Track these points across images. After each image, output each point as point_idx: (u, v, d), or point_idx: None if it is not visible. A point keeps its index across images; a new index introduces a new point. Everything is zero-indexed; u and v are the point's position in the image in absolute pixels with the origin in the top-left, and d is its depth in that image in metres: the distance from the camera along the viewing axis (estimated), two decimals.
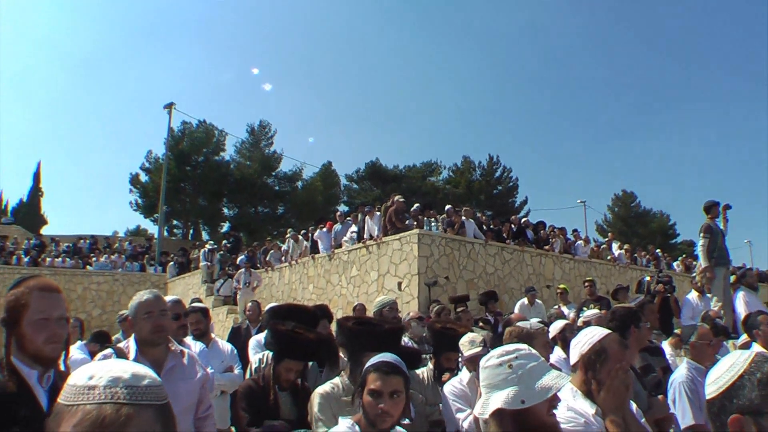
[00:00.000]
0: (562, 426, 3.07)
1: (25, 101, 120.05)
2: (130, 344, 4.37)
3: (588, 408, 3.30)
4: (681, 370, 5.64)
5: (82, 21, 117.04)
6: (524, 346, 2.94)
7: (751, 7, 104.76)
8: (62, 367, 3.04)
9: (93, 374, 1.33)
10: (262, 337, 7.95)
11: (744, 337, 8.21)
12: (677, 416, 5.12)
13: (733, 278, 12.30)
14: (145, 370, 1.42)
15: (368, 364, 3.44)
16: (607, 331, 3.59)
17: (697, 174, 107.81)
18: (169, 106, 38.82)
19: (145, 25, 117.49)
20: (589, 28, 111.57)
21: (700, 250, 12.50)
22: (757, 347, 6.64)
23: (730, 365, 2.08)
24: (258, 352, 7.40)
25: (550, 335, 6.82)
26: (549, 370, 2.78)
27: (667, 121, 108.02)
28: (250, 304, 10.89)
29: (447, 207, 21.48)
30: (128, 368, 1.39)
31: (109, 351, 4.41)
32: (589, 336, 3.54)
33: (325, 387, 4.33)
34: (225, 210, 58.55)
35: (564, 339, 6.77)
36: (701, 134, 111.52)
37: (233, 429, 5.68)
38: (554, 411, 2.75)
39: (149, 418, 1.32)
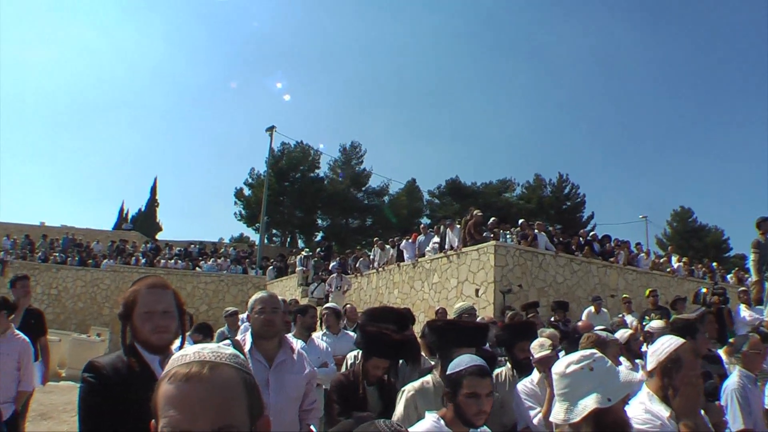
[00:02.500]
0: (640, 427, 3.16)
1: (144, 124, 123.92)
2: (246, 337, 4.52)
3: (663, 411, 3.30)
4: (733, 378, 5.57)
5: (195, 54, 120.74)
6: (594, 350, 2.93)
7: None
8: None
9: (187, 350, 1.46)
10: (320, 335, 8.35)
11: None
12: (728, 421, 5.05)
13: None
14: (231, 349, 1.50)
15: (460, 368, 3.40)
16: (682, 341, 3.54)
17: (749, 190, 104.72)
18: (271, 129, 39.62)
19: (249, 56, 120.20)
20: (652, 48, 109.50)
21: (751, 265, 12.31)
22: None
23: None
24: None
25: None
26: (617, 368, 2.82)
27: (722, 137, 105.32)
28: (348, 306, 11.12)
29: (520, 221, 21.58)
30: (216, 345, 1.49)
31: (227, 341, 4.50)
32: (665, 344, 3.50)
33: (416, 384, 4.31)
34: (319, 221, 59.14)
35: (629, 349, 6.67)
36: (755, 150, 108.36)
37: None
38: (628, 410, 2.76)
39: (232, 373, 1.39)
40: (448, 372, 3.48)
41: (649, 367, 3.55)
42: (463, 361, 3.46)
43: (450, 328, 4.57)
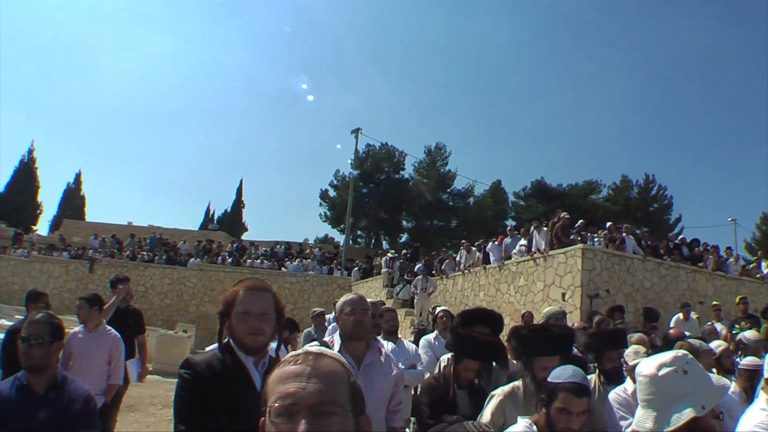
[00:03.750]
0: (759, 429, 3.10)
1: (231, 128, 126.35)
2: (335, 338, 4.58)
3: None
4: None
5: (280, 59, 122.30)
6: (686, 352, 2.76)
7: None
8: (274, 355, 3.24)
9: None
10: (432, 337, 8.30)
11: None
12: None
13: None
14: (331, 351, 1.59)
15: (559, 381, 3.35)
16: None
17: None
18: (356, 131, 39.67)
19: (334, 59, 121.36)
20: (742, 47, 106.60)
21: None
22: None
23: None
24: (427, 351, 7.86)
25: None
26: (709, 372, 2.74)
27: None
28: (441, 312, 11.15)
29: (608, 223, 21.26)
30: (320, 347, 1.60)
31: (315, 342, 4.65)
32: None
33: (506, 388, 4.28)
34: (404, 222, 59.37)
35: (721, 364, 6.43)
36: None
37: (413, 419, 5.62)
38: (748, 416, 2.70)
39: (337, 365, 1.49)
40: (549, 379, 3.45)
41: (767, 374, 3.46)
42: (565, 373, 3.40)
43: (534, 335, 4.51)
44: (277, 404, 1.39)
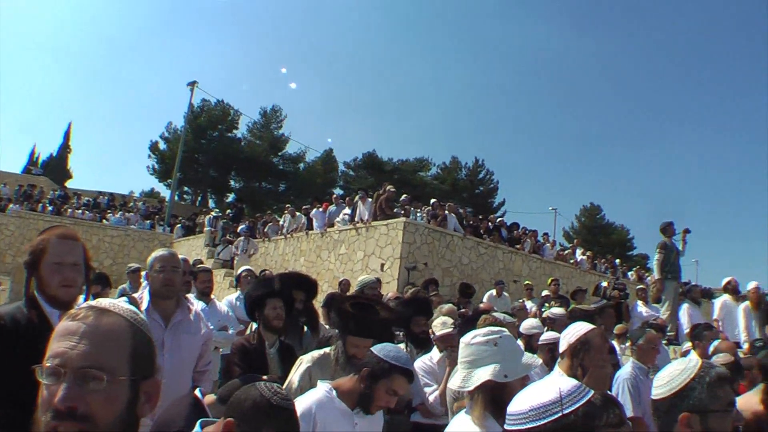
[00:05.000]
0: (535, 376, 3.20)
1: (63, 68, 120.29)
2: (144, 295, 4.42)
3: None
4: (626, 368, 5.76)
5: (121, 2, 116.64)
6: (504, 329, 3.02)
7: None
8: None
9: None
10: (234, 297, 8.46)
11: (688, 345, 8.30)
12: None
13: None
14: (129, 305, 1.52)
15: (394, 363, 3.33)
16: (591, 326, 3.72)
17: (656, 195, 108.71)
18: (192, 84, 38.52)
19: (176, 7, 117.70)
20: (578, 44, 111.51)
21: (654, 264, 12.70)
22: (694, 355, 6.81)
23: (682, 369, 2.26)
24: (229, 310, 7.86)
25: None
26: (522, 351, 2.93)
27: (637, 143, 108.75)
28: (267, 272, 10.97)
29: (432, 200, 21.65)
30: (114, 300, 1.53)
31: (123, 299, 4.30)
32: (576, 329, 3.67)
33: (314, 354, 4.31)
34: (232, 182, 58.39)
35: (529, 344, 6.64)
36: (666, 161, 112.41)
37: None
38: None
39: (121, 323, 1.42)
40: (382, 356, 3.37)
41: (561, 349, 3.72)
42: (400, 358, 3.40)
43: (355, 313, 4.30)
44: (47, 363, 1.34)
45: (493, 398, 2.69)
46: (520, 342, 6.77)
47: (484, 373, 2.72)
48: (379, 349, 3.42)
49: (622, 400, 5.37)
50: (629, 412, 5.19)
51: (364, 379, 3.34)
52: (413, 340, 6.12)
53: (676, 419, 2.20)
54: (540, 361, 5.69)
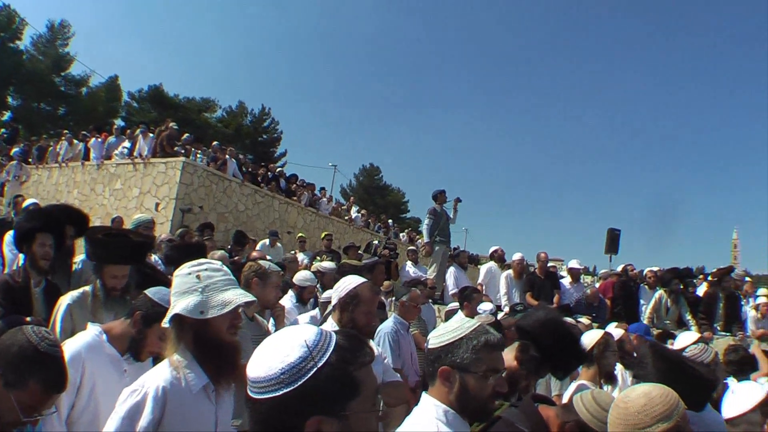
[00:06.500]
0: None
1: None
2: None
3: None
4: (388, 323, 6.06)
5: None
6: (217, 262, 2.87)
7: None
8: None
9: None
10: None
11: (453, 305, 8.85)
12: None
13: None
14: None
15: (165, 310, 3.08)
16: (362, 280, 3.84)
17: (435, 162, 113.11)
18: None
19: None
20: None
21: (424, 228, 13.41)
22: (460, 314, 7.21)
23: (456, 327, 2.35)
24: (13, 249, 7.09)
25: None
26: (235, 287, 2.71)
27: (418, 109, 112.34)
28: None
29: (214, 143, 21.51)
30: None
31: None
32: (347, 282, 3.80)
33: (75, 293, 4.14)
34: (10, 99, 54.33)
35: (301, 297, 6.94)
36: (444, 128, 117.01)
37: None
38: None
39: None
40: (156, 298, 3.27)
41: (333, 303, 3.84)
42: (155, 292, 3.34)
43: (109, 240, 4.25)
44: None
45: (197, 336, 2.58)
46: (292, 292, 7.03)
47: (177, 307, 2.57)
48: (153, 293, 3.31)
49: (384, 351, 5.61)
50: (390, 364, 5.33)
51: (137, 323, 3.25)
52: None
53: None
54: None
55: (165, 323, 2.61)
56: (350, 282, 3.81)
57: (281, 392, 1.37)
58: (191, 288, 2.60)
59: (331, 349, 1.42)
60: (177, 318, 2.57)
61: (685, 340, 5.03)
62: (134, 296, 3.72)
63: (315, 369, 1.38)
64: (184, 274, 2.66)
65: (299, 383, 1.37)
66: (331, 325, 3.76)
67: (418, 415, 2.29)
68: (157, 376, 2.52)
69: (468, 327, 2.34)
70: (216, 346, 2.55)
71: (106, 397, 2.98)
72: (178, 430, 2.46)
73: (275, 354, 1.42)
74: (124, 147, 19.76)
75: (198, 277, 2.63)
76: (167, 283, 3.50)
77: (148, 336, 3.23)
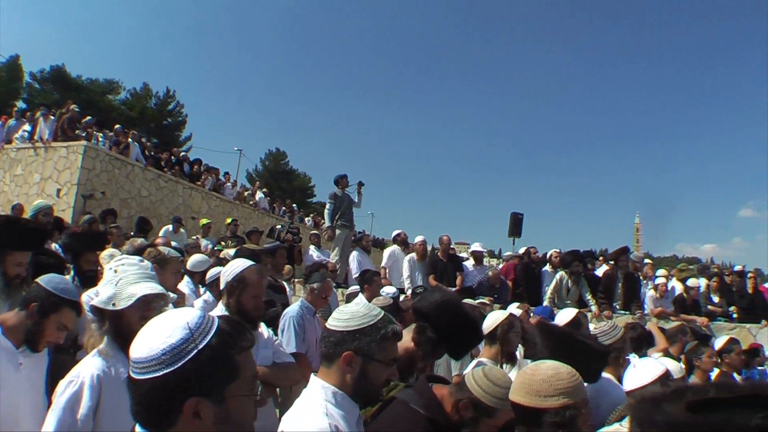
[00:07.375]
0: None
1: None
2: None
3: None
4: (294, 307, 6.12)
5: None
6: (136, 257, 3.09)
7: None
8: None
9: None
10: None
11: (355, 288, 9.00)
12: (282, 343, 5.18)
13: None
14: None
15: (67, 296, 3.25)
16: (249, 263, 3.89)
17: (341, 145, 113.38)
18: None
19: None
20: None
21: (326, 213, 13.54)
22: (361, 297, 7.55)
23: (365, 314, 2.43)
24: None
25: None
26: (147, 280, 2.89)
27: (323, 96, 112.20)
28: None
29: (116, 126, 21.18)
30: None
31: None
32: (233, 266, 3.86)
33: None
34: None
35: (201, 281, 7.03)
36: (351, 113, 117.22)
37: None
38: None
39: None
40: (50, 287, 3.27)
41: (221, 287, 3.87)
42: (69, 290, 3.34)
43: (7, 227, 4.16)
44: None
45: (113, 327, 2.80)
46: (188, 278, 7.10)
47: (95, 299, 2.80)
48: (47, 282, 3.28)
49: (287, 335, 5.73)
50: (293, 348, 5.50)
51: (33, 314, 3.21)
52: (80, 275, 5.63)
53: (341, 354, 2.33)
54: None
55: (86, 313, 2.80)
56: (237, 266, 3.85)
57: (162, 373, 1.42)
58: (108, 281, 2.85)
59: (212, 332, 1.48)
60: (97, 309, 2.81)
61: (564, 317, 5.39)
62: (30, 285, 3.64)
63: (196, 351, 1.43)
64: (108, 268, 2.90)
65: (180, 364, 1.42)
66: (220, 309, 3.82)
67: (307, 397, 2.38)
68: (90, 366, 2.70)
69: (376, 315, 2.44)
70: (130, 336, 2.61)
71: (3, 391, 2.99)
72: (112, 418, 2.61)
73: (157, 335, 1.47)
74: (24, 131, 19.20)
75: (116, 270, 2.87)
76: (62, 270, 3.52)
77: (45, 327, 3.21)
